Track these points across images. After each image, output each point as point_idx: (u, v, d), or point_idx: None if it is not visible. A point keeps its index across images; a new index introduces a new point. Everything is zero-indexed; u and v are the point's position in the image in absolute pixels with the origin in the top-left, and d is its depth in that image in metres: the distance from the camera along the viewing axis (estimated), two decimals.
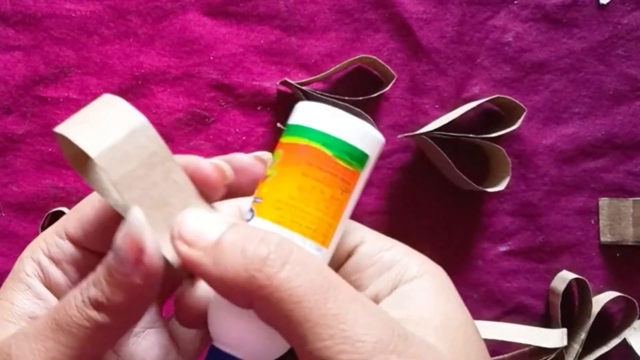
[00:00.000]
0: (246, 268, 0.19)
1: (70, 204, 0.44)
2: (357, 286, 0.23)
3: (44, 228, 0.43)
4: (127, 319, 0.21)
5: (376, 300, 0.22)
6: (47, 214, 0.43)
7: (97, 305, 0.20)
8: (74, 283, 0.24)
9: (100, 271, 0.20)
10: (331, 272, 0.20)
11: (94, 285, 0.20)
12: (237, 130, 0.45)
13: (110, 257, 0.20)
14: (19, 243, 0.44)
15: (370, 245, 0.23)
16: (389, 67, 0.44)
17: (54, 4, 0.44)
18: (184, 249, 0.20)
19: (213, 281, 0.20)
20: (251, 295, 0.19)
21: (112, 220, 0.23)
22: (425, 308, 0.21)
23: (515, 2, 0.47)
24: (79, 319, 0.20)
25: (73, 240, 0.24)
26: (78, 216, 0.24)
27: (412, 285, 0.22)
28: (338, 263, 0.23)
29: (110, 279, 0.20)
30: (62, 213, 0.43)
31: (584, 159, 0.48)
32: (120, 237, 0.19)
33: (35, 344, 0.20)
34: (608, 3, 0.47)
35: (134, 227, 0.19)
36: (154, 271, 0.20)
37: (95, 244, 0.24)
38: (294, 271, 0.19)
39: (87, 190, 0.44)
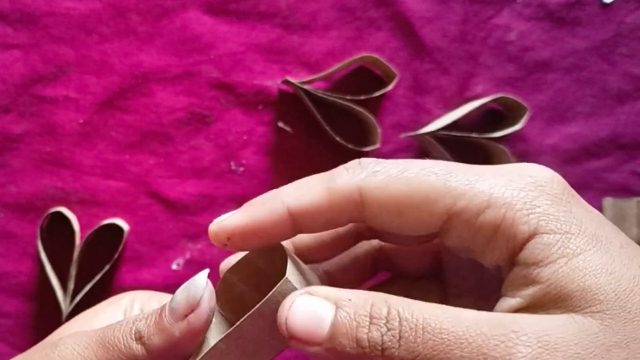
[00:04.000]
0: (368, 357, 0.19)
1: (69, 204, 0.43)
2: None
3: (42, 229, 0.43)
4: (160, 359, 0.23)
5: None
6: (45, 214, 0.43)
7: (138, 338, 0.22)
8: None
9: (154, 311, 0.23)
10: (440, 321, 0.19)
11: (144, 319, 0.23)
12: (238, 129, 0.45)
13: (167, 303, 0.23)
14: (18, 243, 0.44)
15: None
16: (391, 66, 0.44)
17: (53, 2, 0.43)
18: (305, 348, 0.20)
19: None
20: None
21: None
22: None
23: (519, 0, 0.47)
24: (119, 343, 0.22)
25: None
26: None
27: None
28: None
29: (157, 320, 0.22)
30: (60, 214, 0.43)
31: (587, 159, 0.47)
32: (181, 290, 0.22)
33: (78, 346, 0.23)
34: (612, 2, 0.47)
35: (194, 286, 0.22)
36: (194, 330, 0.22)
37: None
38: (409, 346, 0.19)
39: (87, 190, 0.44)
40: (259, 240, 0.23)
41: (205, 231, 0.44)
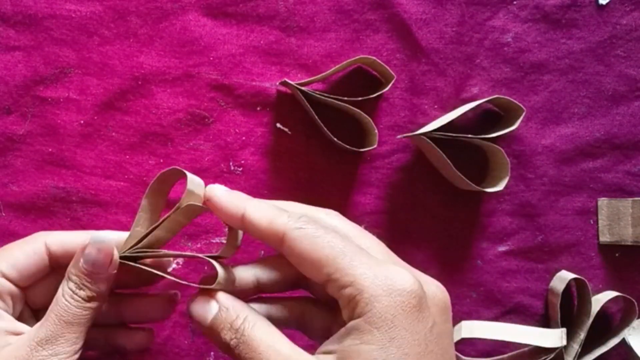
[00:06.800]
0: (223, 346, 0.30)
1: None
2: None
3: None
4: (105, 296, 0.32)
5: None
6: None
7: (89, 299, 0.31)
8: (9, 306, 0.33)
9: (78, 280, 0.31)
10: (267, 347, 0.29)
11: (79, 289, 0.31)
12: (236, 130, 0.45)
13: (83, 268, 0.31)
14: None
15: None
16: (388, 68, 0.44)
17: (55, 5, 0.44)
18: (198, 325, 0.31)
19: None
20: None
21: (44, 266, 0.34)
22: None
23: (515, 2, 0.47)
24: (81, 313, 0.31)
25: (5, 277, 0.33)
26: (10, 260, 0.33)
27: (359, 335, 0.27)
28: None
29: (92, 279, 0.31)
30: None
31: (583, 159, 0.48)
32: (96, 252, 0.31)
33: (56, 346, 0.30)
34: (607, 3, 0.48)
35: (106, 244, 0.31)
36: (116, 265, 0.32)
37: (23, 282, 0.34)
38: (242, 350, 0.30)
39: (87, 190, 0.44)
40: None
41: (204, 230, 0.45)
